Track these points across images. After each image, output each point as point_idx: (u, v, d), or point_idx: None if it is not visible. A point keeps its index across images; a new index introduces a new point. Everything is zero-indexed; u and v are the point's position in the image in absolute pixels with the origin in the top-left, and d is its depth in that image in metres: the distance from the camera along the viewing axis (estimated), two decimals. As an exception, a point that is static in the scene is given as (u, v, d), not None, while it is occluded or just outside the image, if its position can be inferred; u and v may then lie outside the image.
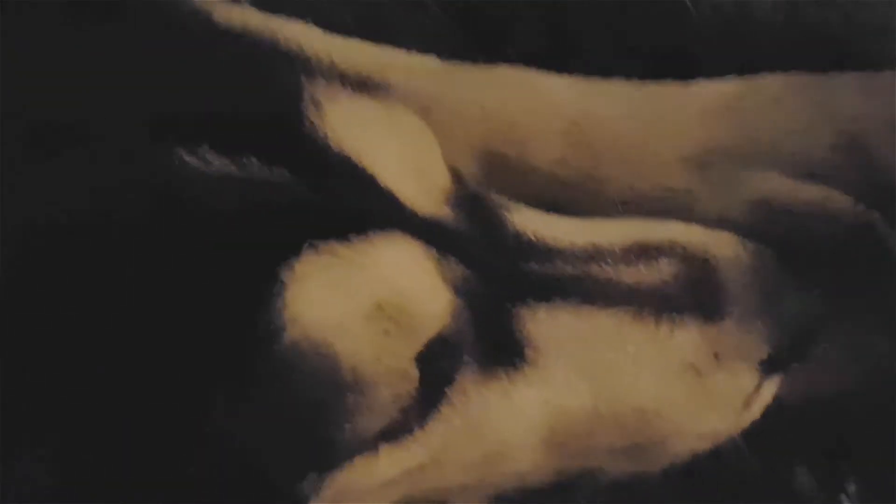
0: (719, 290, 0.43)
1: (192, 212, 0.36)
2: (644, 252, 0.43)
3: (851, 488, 0.52)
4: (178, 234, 0.36)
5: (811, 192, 0.48)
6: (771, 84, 0.53)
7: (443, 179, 0.42)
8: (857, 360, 0.50)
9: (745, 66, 0.66)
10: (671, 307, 0.43)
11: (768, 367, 0.44)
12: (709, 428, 0.45)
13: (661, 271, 0.43)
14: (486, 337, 0.40)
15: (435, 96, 0.56)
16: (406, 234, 0.39)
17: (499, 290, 0.41)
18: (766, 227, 0.49)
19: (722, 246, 0.44)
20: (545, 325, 0.42)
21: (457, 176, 0.44)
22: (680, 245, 0.44)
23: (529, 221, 0.44)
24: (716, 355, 0.43)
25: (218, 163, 0.37)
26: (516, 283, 0.42)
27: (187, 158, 0.36)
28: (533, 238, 0.43)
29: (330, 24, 0.68)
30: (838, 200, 0.48)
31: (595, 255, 0.43)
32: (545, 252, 0.43)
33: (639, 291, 0.43)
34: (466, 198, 0.43)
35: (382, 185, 0.39)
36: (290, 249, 0.36)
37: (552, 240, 0.43)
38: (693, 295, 0.43)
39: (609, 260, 0.43)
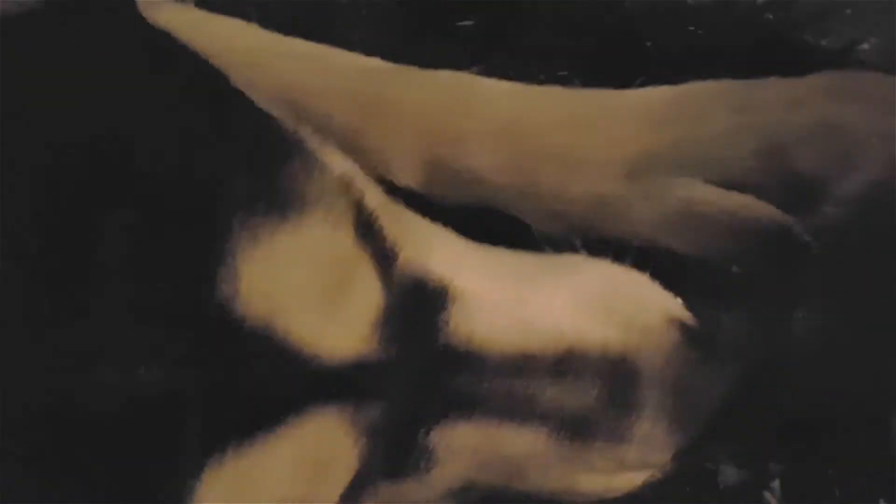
0: (636, 410, 0.44)
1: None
2: (573, 365, 0.44)
3: (776, 485, 0.56)
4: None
5: (733, 200, 0.51)
6: (699, 92, 0.55)
7: (369, 300, 0.41)
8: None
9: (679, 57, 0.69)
10: (587, 430, 0.44)
11: (676, 458, 0.46)
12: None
13: (584, 392, 0.44)
14: (396, 458, 0.41)
15: (377, 98, 0.57)
16: (318, 406, 0.38)
17: (416, 412, 0.41)
18: (692, 234, 0.51)
19: (652, 347, 0.45)
20: (460, 439, 0.42)
21: (388, 275, 0.42)
22: (610, 355, 0.44)
23: (463, 318, 0.43)
24: (622, 463, 0.45)
25: None
26: (437, 402, 0.42)
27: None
28: (463, 351, 0.43)
29: (275, 19, 0.69)
30: (758, 208, 0.50)
31: (524, 367, 0.43)
32: (474, 365, 0.42)
33: (560, 411, 0.43)
34: (397, 309, 0.41)
35: (294, 347, 0.37)
36: (193, 462, 0.35)
37: (483, 349, 0.43)
38: (611, 418, 0.44)
39: (537, 374, 0.43)
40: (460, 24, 0.74)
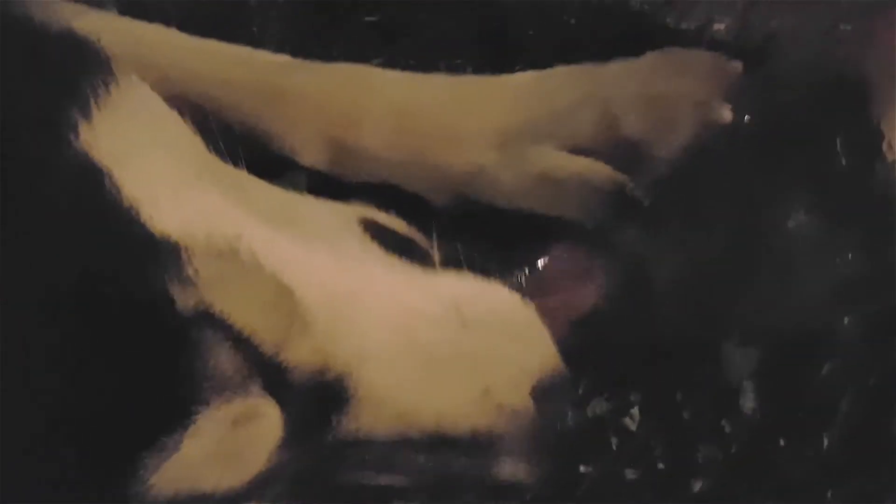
0: (496, 465, 0.53)
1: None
2: (444, 444, 0.51)
3: (635, 411, 0.64)
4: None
5: (579, 164, 0.61)
6: (556, 74, 0.64)
7: (268, 438, 0.47)
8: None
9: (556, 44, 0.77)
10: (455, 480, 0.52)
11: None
12: None
13: (452, 458, 0.51)
14: None
15: (282, 89, 0.65)
16: None
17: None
18: (549, 197, 0.61)
19: (514, 426, 0.53)
20: None
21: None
22: (478, 436, 0.51)
23: (356, 416, 0.49)
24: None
25: None
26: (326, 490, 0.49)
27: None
28: (351, 441, 0.49)
29: (195, 23, 0.76)
30: (598, 170, 0.60)
31: (402, 444, 0.50)
32: (359, 448, 0.49)
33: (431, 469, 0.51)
34: (294, 423, 0.47)
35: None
36: None
37: (369, 437, 0.49)
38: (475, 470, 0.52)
39: (412, 449, 0.51)
40: (365, 19, 0.82)
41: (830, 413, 0.64)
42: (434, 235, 0.60)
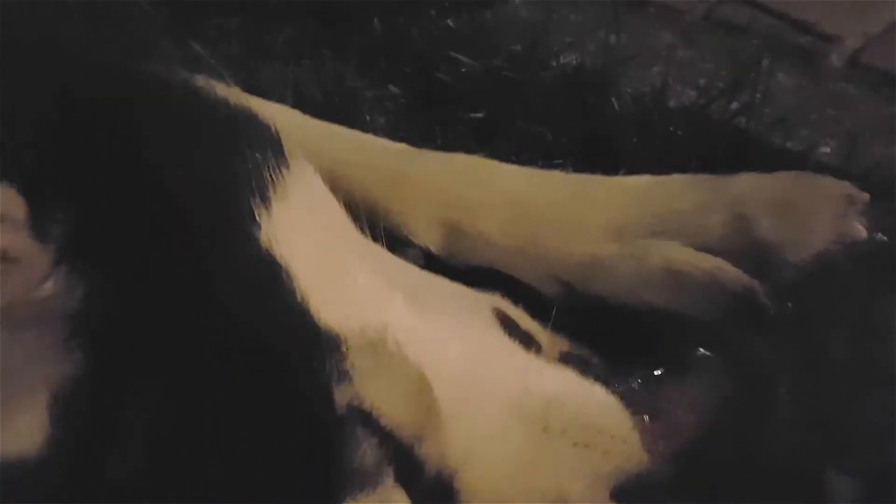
0: None
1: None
2: None
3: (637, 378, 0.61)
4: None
5: (707, 262, 0.60)
6: (674, 179, 0.65)
7: None
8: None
9: (660, 153, 0.78)
10: None
11: None
12: None
13: None
14: None
15: (403, 173, 0.66)
16: None
17: None
18: (670, 291, 0.60)
19: None
20: None
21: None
22: None
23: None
24: None
25: None
26: None
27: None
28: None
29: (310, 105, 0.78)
30: (728, 270, 0.59)
31: None
32: None
33: None
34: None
35: None
36: None
37: None
38: None
39: None
40: (468, 115, 0.84)
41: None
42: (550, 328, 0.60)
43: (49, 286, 0.42)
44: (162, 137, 0.49)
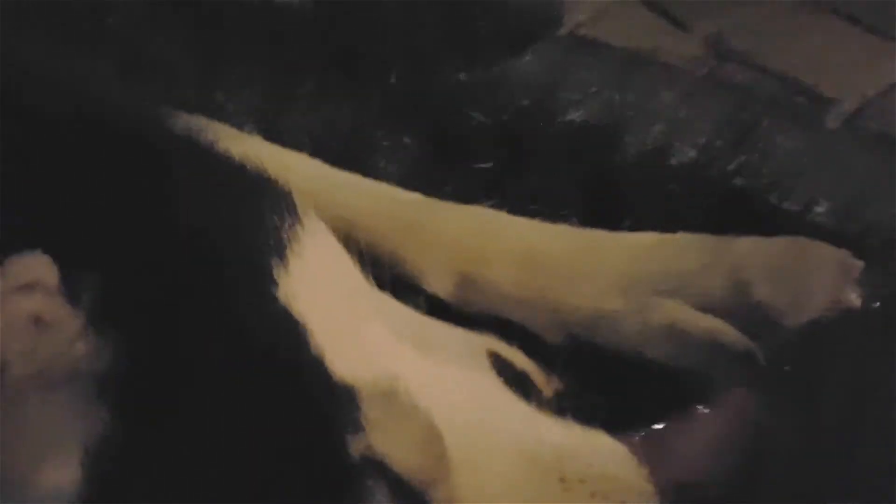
0: None
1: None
2: None
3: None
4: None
5: (708, 322, 0.63)
6: (680, 238, 0.67)
7: None
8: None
9: (661, 208, 0.81)
10: None
11: None
12: None
13: None
14: None
15: (418, 222, 0.69)
16: None
17: None
18: (673, 348, 0.63)
19: None
20: None
21: None
22: None
23: None
24: None
25: None
26: None
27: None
28: None
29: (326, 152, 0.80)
30: (727, 331, 0.62)
31: None
32: None
33: None
34: None
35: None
36: None
37: None
38: None
39: None
40: (478, 166, 0.87)
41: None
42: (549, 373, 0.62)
43: (80, 347, 0.44)
44: (187, 200, 0.51)
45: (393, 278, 0.64)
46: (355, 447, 0.47)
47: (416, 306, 0.66)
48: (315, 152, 0.78)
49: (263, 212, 0.53)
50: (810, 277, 0.62)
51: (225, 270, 0.49)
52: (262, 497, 0.45)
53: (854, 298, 0.61)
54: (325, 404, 0.48)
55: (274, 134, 0.77)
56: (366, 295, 0.58)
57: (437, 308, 0.67)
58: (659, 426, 0.61)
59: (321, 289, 0.52)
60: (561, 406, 0.60)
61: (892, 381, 0.60)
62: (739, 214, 0.80)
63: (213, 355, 0.47)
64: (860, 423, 0.60)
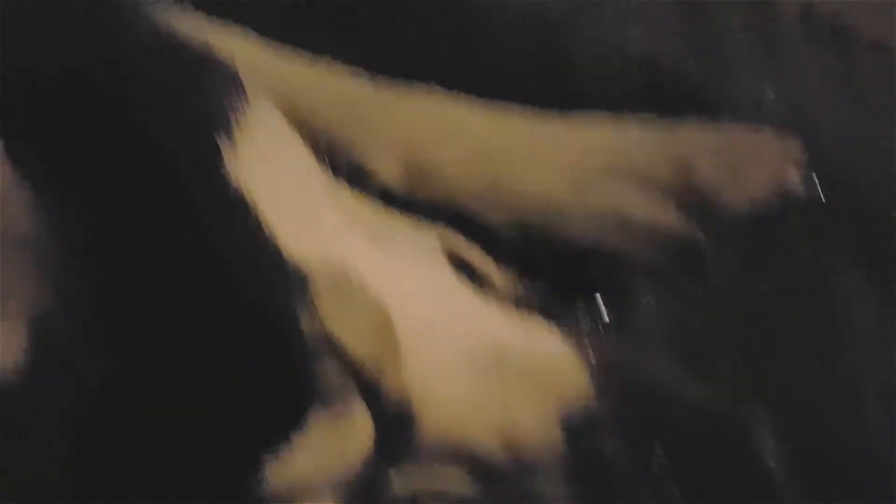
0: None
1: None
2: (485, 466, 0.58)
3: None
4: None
5: (652, 207, 0.64)
6: (631, 122, 0.67)
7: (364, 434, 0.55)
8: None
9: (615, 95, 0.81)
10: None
11: None
12: None
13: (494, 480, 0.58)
14: None
15: (366, 107, 0.68)
16: None
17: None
18: (617, 233, 0.64)
19: (545, 449, 0.59)
20: None
21: None
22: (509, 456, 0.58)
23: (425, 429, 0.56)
24: None
25: None
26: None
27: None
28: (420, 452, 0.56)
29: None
30: (671, 216, 0.63)
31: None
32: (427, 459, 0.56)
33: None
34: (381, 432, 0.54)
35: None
36: None
37: (431, 450, 0.57)
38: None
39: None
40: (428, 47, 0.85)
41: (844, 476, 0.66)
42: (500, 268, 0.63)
43: (23, 222, 0.44)
44: (130, 75, 0.50)
45: (348, 170, 0.64)
46: (306, 325, 0.49)
47: (371, 198, 0.66)
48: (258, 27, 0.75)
49: (207, 90, 0.52)
50: (753, 162, 0.63)
51: (170, 147, 0.49)
52: (213, 364, 0.46)
53: (795, 183, 0.62)
54: (277, 281, 0.50)
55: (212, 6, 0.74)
56: (318, 180, 0.59)
57: (393, 203, 0.67)
58: (604, 317, 0.63)
59: (270, 169, 0.53)
60: (514, 299, 0.62)
61: (829, 273, 0.61)
62: (689, 101, 0.81)
63: (160, 227, 0.47)
64: (798, 312, 0.62)
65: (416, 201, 0.67)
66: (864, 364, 0.63)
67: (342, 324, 0.50)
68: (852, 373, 0.62)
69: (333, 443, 0.49)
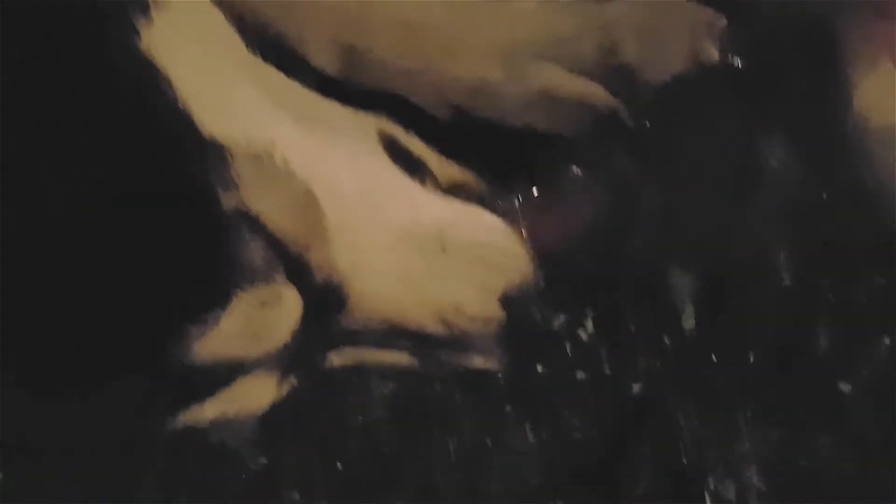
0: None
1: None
2: (424, 339, 0.61)
3: (588, 324, 0.72)
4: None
5: (578, 84, 0.65)
6: (558, 3, 0.68)
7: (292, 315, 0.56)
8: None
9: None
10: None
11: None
12: None
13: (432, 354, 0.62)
14: None
15: None
16: None
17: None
18: (548, 113, 0.65)
19: (485, 324, 0.61)
20: None
21: None
22: (450, 333, 0.60)
23: (352, 313, 0.58)
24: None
25: None
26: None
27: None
28: (352, 329, 0.59)
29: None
30: (596, 92, 0.65)
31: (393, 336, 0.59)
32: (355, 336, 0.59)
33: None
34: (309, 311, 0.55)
35: None
36: None
37: (364, 327, 0.59)
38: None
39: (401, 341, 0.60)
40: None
41: (757, 336, 0.72)
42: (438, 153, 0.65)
43: None
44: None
45: (280, 57, 0.64)
46: (227, 201, 0.49)
47: (307, 84, 0.66)
48: None
49: None
50: (673, 34, 0.65)
51: (78, 20, 0.48)
52: (132, 247, 0.48)
53: (712, 52, 0.64)
54: (193, 155, 0.49)
55: None
56: (242, 59, 0.58)
57: (329, 88, 0.68)
58: (535, 190, 0.65)
59: (188, 44, 0.52)
60: (451, 182, 0.64)
61: (746, 134, 0.64)
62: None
63: (66, 100, 0.47)
64: (716, 176, 0.66)
65: (352, 86, 0.68)
66: (777, 225, 0.67)
67: (265, 202, 0.51)
68: (765, 231, 0.66)
69: (260, 318, 0.50)
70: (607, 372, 0.74)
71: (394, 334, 0.59)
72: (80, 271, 0.47)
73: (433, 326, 0.60)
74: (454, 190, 0.64)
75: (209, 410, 0.52)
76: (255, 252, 0.50)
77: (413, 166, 0.63)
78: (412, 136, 0.65)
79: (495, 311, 0.62)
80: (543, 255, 0.65)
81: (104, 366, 0.49)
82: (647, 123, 0.65)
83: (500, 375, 0.72)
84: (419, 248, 0.59)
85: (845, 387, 0.72)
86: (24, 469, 0.54)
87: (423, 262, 0.59)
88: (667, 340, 0.74)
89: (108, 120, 0.48)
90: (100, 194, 0.47)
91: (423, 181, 0.62)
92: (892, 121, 0.61)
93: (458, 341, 0.61)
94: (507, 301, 0.62)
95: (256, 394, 0.54)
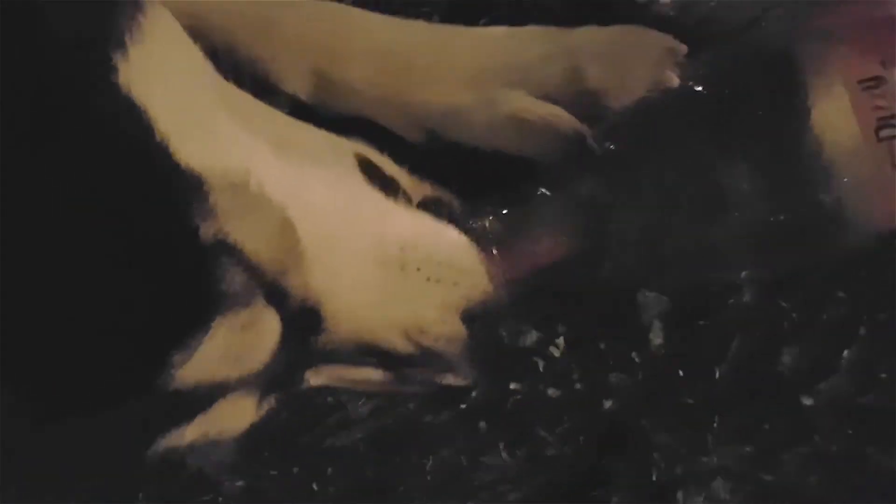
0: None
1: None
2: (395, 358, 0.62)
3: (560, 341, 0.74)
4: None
5: (547, 109, 0.67)
6: (527, 31, 0.71)
7: (270, 338, 0.58)
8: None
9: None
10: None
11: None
12: None
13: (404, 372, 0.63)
14: None
15: (270, 19, 0.69)
16: None
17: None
18: (516, 137, 0.67)
19: (450, 343, 0.63)
20: None
21: None
22: (418, 351, 0.62)
23: (330, 333, 0.60)
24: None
25: None
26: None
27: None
28: (328, 349, 0.60)
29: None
30: (562, 116, 0.67)
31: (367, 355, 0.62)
32: (332, 354, 0.61)
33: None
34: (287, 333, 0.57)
35: None
36: None
37: (340, 348, 0.61)
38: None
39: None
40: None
41: (723, 352, 0.74)
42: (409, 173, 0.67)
43: None
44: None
45: (255, 83, 0.65)
46: (206, 231, 0.50)
47: (281, 111, 0.68)
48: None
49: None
50: (636, 60, 0.67)
51: (57, 48, 0.48)
52: (113, 279, 0.49)
53: (672, 78, 0.66)
54: (171, 188, 0.50)
55: None
56: (216, 88, 0.59)
57: (302, 113, 0.69)
58: (505, 211, 0.67)
59: (165, 76, 0.52)
60: (424, 203, 0.65)
61: (712, 155, 0.66)
62: (585, 6, 0.84)
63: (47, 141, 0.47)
64: (681, 198, 0.67)
65: (324, 112, 0.69)
66: (740, 245, 0.69)
67: (243, 230, 0.52)
68: (729, 252, 0.68)
69: (240, 341, 0.52)
70: (578, 388, 0.76)
71: (367, 353, 0.61)
72: (62, 302, 0.48)
73: (402, 345, 0.61)
74: (426, 204, 0.65)
75: (190, 434, 0.53)
76: (235, 278, 0.51)
77: (386, 185, 0.64)
78: (385, 158, 0.66)
79: (458, 329, 0.62)
80: (516, 274, 0.66)
81: (87, 395, 0.49)
82: (612, 146, 0.67)
83: (473, 394, 0.73)
84: (382, 268, 0.60)
85: (808, 401, 0.74)
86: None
87: (385, 281, 0.60)
88: (636, 357, 0.76)
89: (87, 156, 0.49)
90: (82, 228, 0.48)
91: (395, 199, 0.63)
92: (845, 141, 0.63)
93: (427, 359, 0.62)
94: (469, 319, 0.63)
95: (236, 415, 0.55)
